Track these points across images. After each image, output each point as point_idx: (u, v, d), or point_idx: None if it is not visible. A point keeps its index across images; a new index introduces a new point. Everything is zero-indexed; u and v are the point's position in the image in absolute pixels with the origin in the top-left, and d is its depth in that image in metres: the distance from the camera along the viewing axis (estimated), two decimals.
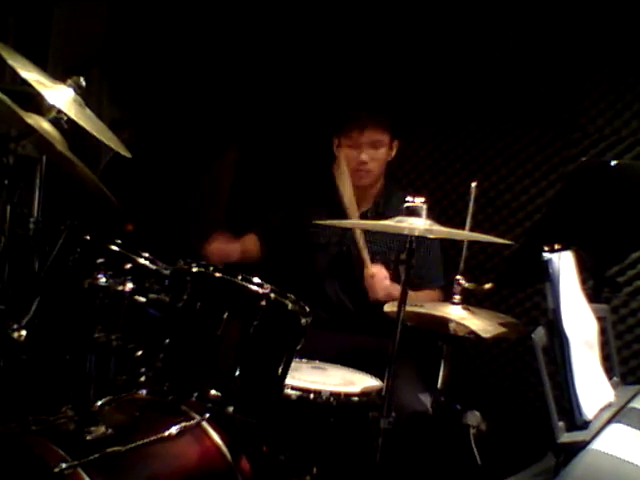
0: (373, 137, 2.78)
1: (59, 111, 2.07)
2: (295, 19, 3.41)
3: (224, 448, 2.00)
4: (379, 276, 2.66)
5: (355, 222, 2.77)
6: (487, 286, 2.44)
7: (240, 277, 1.93)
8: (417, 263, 2.76)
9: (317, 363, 2.45)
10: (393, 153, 2.87)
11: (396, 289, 2.54)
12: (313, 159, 3.20)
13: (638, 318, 2.91)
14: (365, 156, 2.77)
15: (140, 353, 1.94)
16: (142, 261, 1.97)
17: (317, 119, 3.30)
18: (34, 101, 2.10)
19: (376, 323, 2.50)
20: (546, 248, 1.83)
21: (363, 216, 2.83)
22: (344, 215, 2.75)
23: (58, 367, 2.14)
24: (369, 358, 2.48)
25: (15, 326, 1.92)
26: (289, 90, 3.44)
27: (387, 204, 2.86)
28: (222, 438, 2.02)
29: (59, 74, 2.15)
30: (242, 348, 1.91)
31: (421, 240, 2.71)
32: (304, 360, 2.41)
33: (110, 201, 2.21)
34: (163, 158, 3.41)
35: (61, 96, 2.09)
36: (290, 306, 1.97)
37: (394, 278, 2.62)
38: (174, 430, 1.94)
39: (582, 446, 1.64)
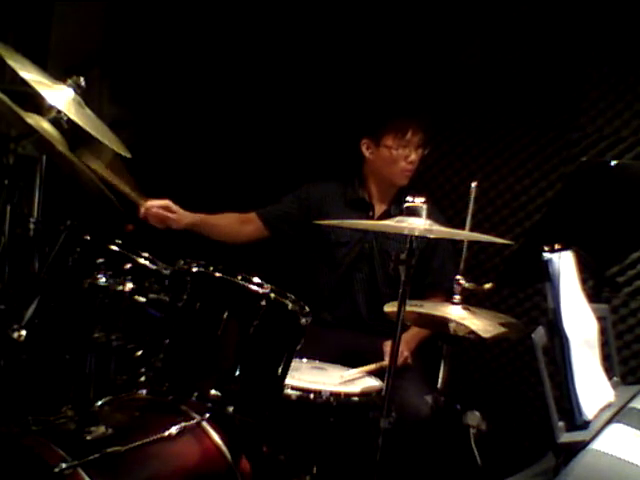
0: (422, 137, 2.82)
1: (59, 111, 2.08)
2: (291, 21, 3.41)
3: (224, 448, 2.00)
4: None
5: (362, 222, 2.77)
6: (487, 286, 2.44)
7: (240, 277, 1.93)
8: (436, 267, 2.82)
9: (317, 363, 2.45)
10: (426, 152, 2.88)
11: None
12: (336, 160, 3.20)
13: (638, 318, 2.91)
14: (414, 156, 2.80)
15: (140, 353, 1.94)
16: (142, 261, 1.98)
17: (342, 121, 3.29)
18: (34, 101, 2.10)
19: (383, 325, 2.50)
20: (546, 248, 1.83)
21: (386, 213, 2.84)
22: (364, 213, 2.83)
23: (58, 367, 2.14)
24: (369, 358, 2.48)
25: (15, 326, 1.92)
26: (304, 92, 3.42)
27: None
28: (222, 438, 2.02)
29: (59, 74, 2.15)
30: (242, 348, 1.91)
31: (437, 243, 2.76)
32: (304, 360, 2.41)
33: (110, 201, 2.21)
34: (163, 158, 3.41)
35: (61, 96, 2.09)
36: (290, 306, 1.97)
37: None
38: (174, 430, 1.94)
39: (582, 446, 1.64)
